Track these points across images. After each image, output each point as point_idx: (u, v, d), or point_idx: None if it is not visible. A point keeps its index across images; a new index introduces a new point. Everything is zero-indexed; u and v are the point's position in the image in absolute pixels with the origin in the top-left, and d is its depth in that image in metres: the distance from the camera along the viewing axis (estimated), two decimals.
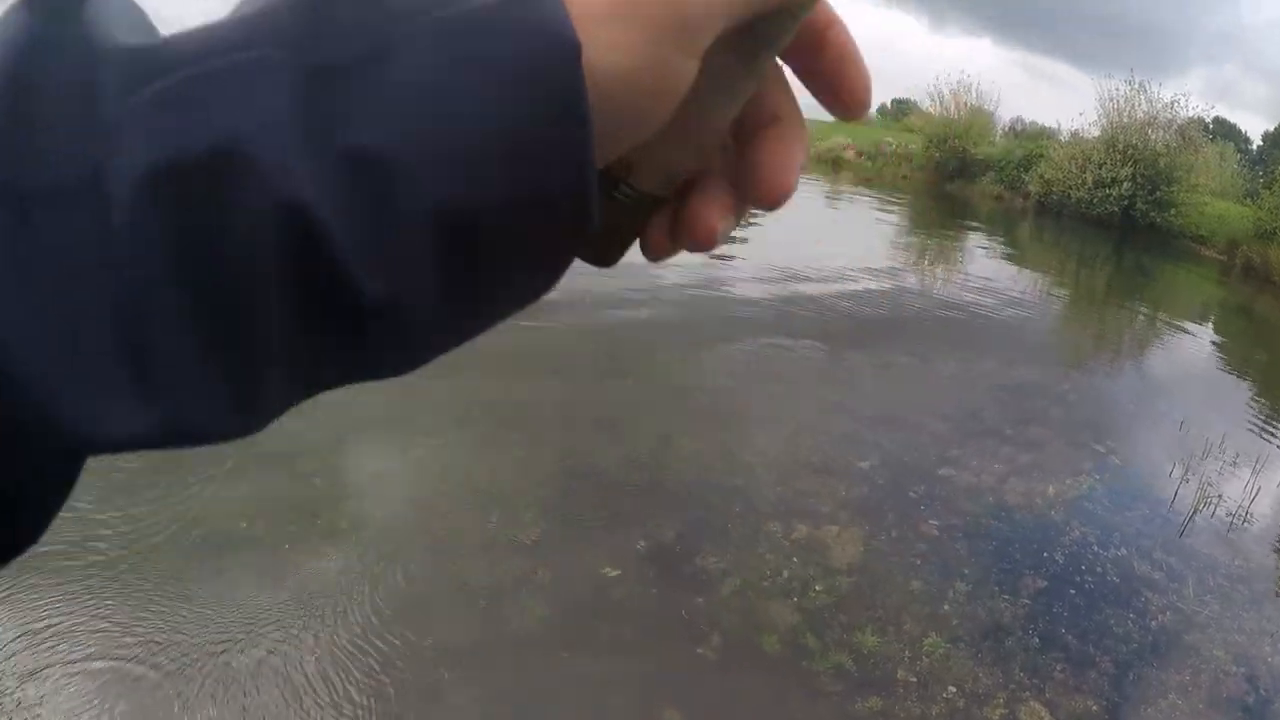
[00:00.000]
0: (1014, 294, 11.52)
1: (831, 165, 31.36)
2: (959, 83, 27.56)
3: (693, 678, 3.80)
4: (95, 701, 3.60)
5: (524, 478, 5.52)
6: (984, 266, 13.78)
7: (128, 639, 3.92)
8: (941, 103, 27.65)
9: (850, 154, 31.57)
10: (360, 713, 3.57)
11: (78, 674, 3.77)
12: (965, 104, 27.02)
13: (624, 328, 8.73)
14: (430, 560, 4.65)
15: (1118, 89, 22.30)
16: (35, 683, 3.68)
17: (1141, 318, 10.92)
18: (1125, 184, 20.34)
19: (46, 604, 4.23)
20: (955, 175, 25.73)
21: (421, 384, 6.63)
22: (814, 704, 3.66)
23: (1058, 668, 3.92)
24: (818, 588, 4.34)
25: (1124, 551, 4.89)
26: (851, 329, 8.94)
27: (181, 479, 4.87)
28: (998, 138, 27.67)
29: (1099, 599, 4.44)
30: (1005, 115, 28.95)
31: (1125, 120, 21.85)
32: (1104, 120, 22.80)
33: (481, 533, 4.82)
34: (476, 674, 3.81)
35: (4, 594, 4.23)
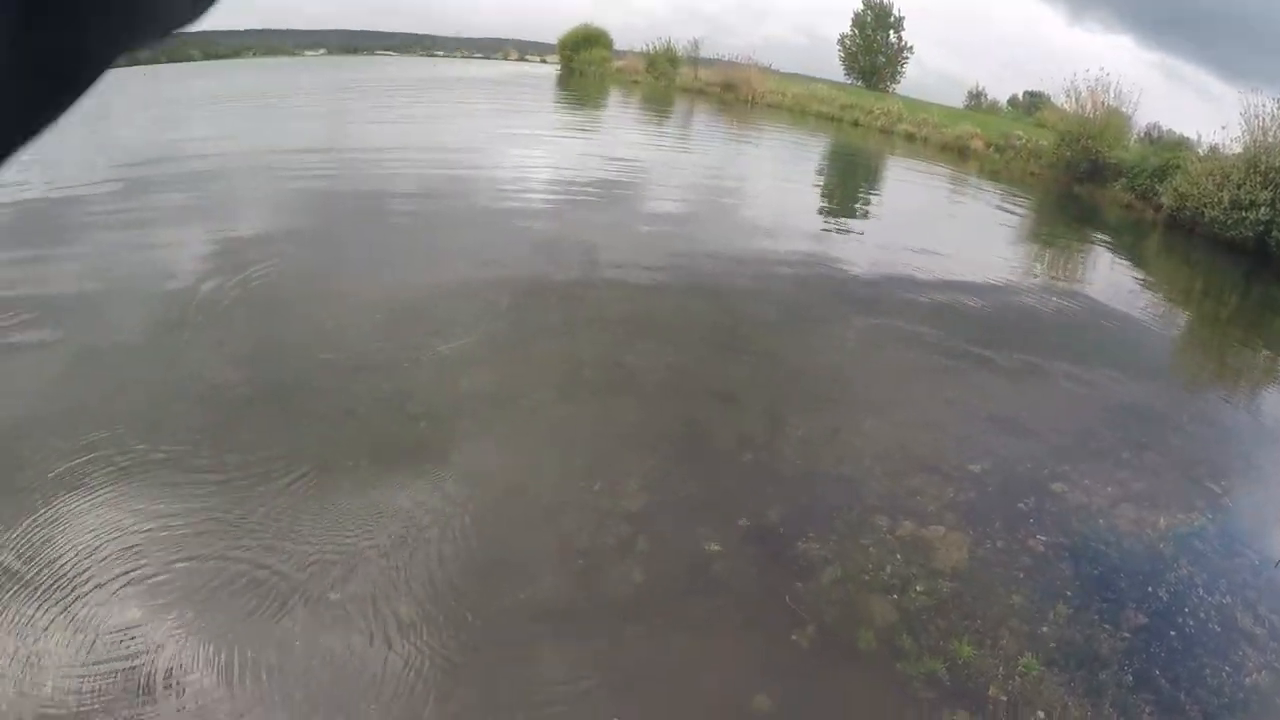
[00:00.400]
0: (1136, 309, 11.22)
1: (958, 154, 30.74)
2: (1097, 80, 26.54)
3: (785, 665, 3.82)
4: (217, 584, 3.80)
5: (631, 445, 5.60)
6: (1107, 276, 13.44)
7: (243, 546, 4.11)
8: (1077, 100, 26.75)
9: (978, 144, 30.89)
10: (453, 666, 3.67)
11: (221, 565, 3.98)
12: (1102, 103, 26.12)
13: (742, 303, 8.73)
14: (532, 520, 4.74)
15: (1264, 106, 21.37)
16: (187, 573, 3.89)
17: (1265, 354, 10.54)
18: (1264, 208, 19.53)
19: (202, 510, 4.46)
20: (1085, 177, 24.80)
21: (535, 346, 6.73)
22: (904, 708, 3.66)
23: (1147, 710, 3.85)
24: (919, 588, 4.33)
25: (1228, 600, 4.76)
26: (968, 326, 8.82)
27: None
28: (1132, 142, 26.57)
29: (1197, 645, 4.33)
30: (1142, 120, 27.71)
31: (1270, 141, 20.97)
32: (1246, 137, 21.92)
33: (585, 497, 4.89)
34: (569, 636, 3.89)
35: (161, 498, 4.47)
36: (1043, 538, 4.90)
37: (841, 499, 5.11)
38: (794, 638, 3.96)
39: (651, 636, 3.85)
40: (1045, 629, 4.19)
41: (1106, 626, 4.27)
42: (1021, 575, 4.55)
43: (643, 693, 3.59)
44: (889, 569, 4.46)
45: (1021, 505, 5.22)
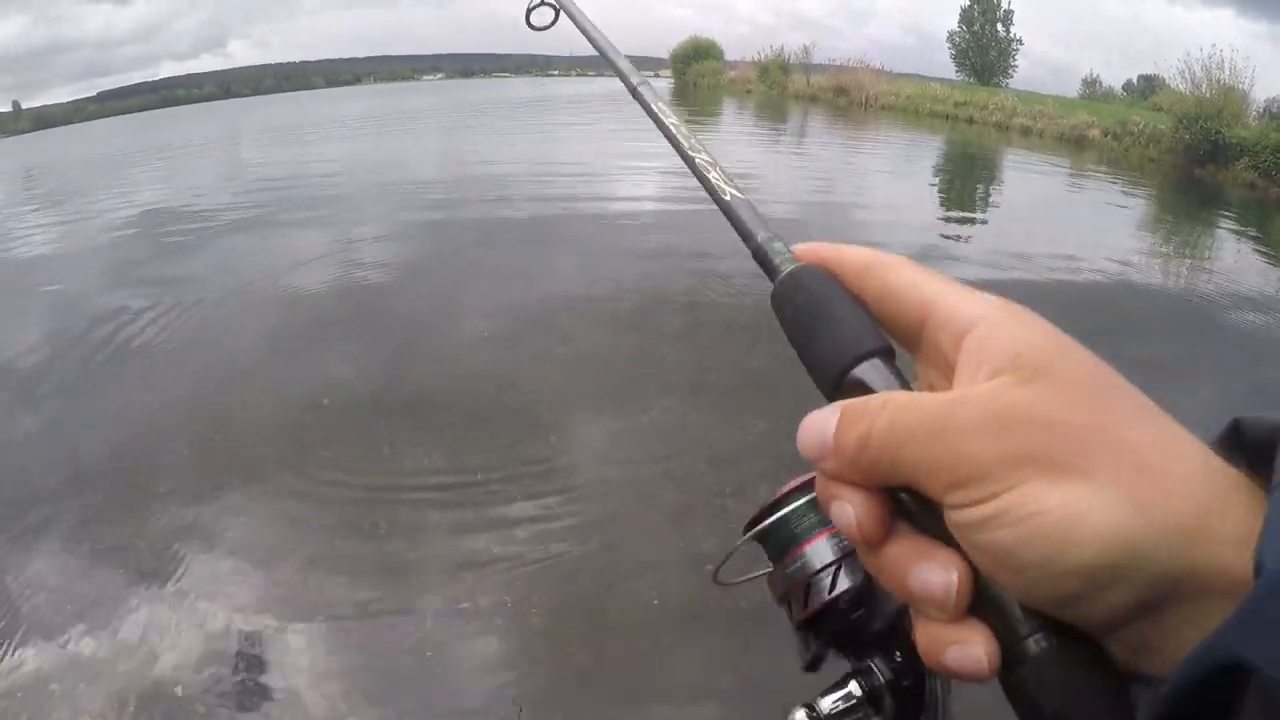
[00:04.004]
0: (1266, 291, 10.84)
1: (1075, 145, 30.02)
2: (1210, 58, 25.52)
3: None
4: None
5: (761, 448, 5.67)
6: (1233, 261, 13.02)
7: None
8: (1192, 80, 25.79)
9: (1095, 133, 30.13)
10: (584, 669, 3.84)
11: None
12: (1218, 81, 25.14)
13: None
14: (659, 524, 4.87)
15: None
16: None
17: None
18: None
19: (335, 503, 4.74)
20: (1206, 159, 23.78)
21: (660, 349, 6.87)
22: None
23: None
24: None
25: None
26: (1091, 319, 8.65)
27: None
28: (1252, 120, 25.33)
29: None
30: (1260, 95, 26.33)
31: None
32: None
33: (714, 501, 4.99)
34: (699, 638, 4.01)
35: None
36: None
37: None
38: None
39: (778, 642, 3.94)
40: None
41: None
42: None
43: (766, 691, 3.69)
44: None
45: None
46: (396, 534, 4.78)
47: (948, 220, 14.91)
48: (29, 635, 4.04)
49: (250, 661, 3.83)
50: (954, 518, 0.42)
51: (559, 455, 5.64)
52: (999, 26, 54.66)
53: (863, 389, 0.49)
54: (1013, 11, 54.47)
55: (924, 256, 11.01)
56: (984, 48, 54.44)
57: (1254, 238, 15.16)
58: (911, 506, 0.46)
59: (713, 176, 0.69)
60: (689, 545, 4.65)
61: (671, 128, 0.77)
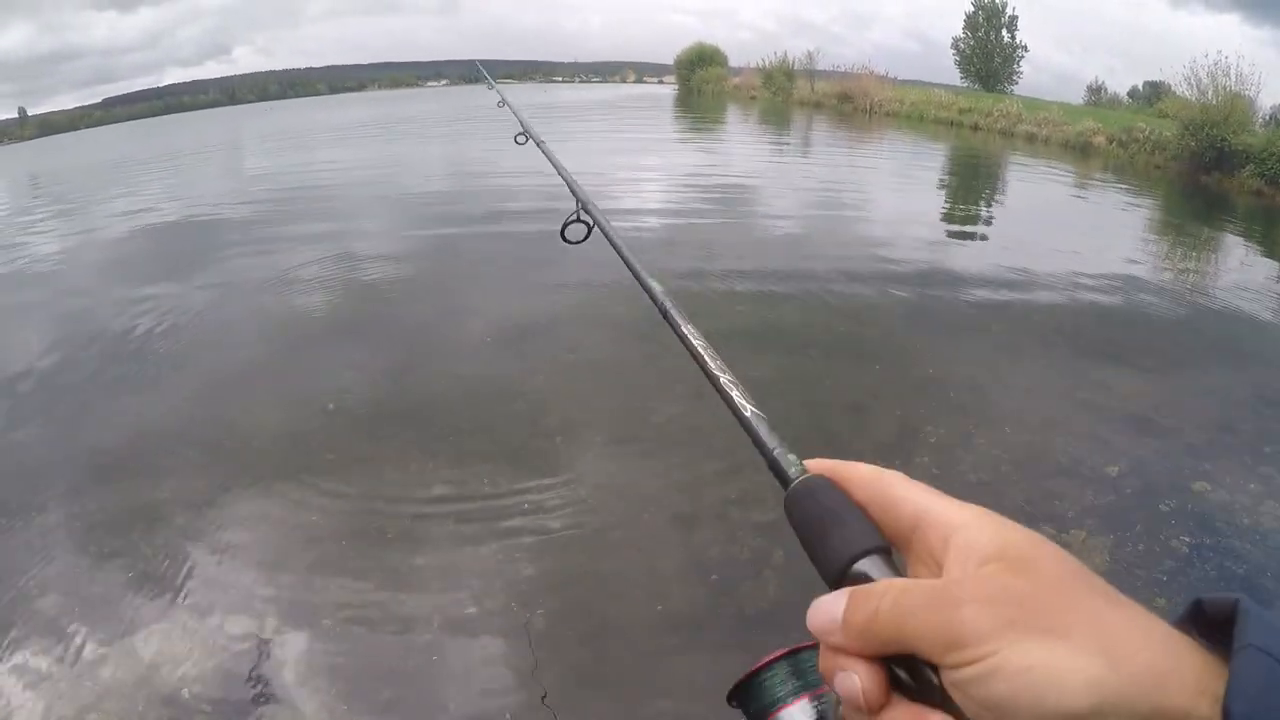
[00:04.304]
0: (1270, 300, 10.82)
1: (1080, 152, 29.99)
2: (1216, 64, 25.41)
3: None
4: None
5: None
6: (1238, 268, 13.02)
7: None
8: (1199, 87, 25.69)
9: (1100, 140, 30.09)
10: (587, 674, 3.86)
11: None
12: (1224, 88, 25.04)
13: (868, 311, 8.78)
14: (663, 531, 4.90)
15: None
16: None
17: None
18: None
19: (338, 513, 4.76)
20: (1212, 166, 23.66)
21: (665, 358, 6.88)
22: None
23: None
24: None
25: None
26: (1098, 325, 8.69)
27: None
28: (1258, 126, 25.21)
29: None
30: (1266, 102, 26.16)
31: None
32: None
33: (720, 508, 5.01)
34: (703, 647, 4.03)
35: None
36: (1186, 538, 4.84)
37: (979, 505, 5.11)
38: None
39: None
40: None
41: None
42: (1165, 578, 4.52)
43: None
44: None
45: (1163, 506, 5.16)
46: (402, 539, 4.80)
47: (954, 226, 14.93)
48: (38, 637, 4.07)
49: (256, 665, 3.85)
50: (953, 677, 0.49)
51: (564, 461, 5.66)
52: (1004, 33, 54.72)
53: (864, 580, 0.57)
54: (1017, 17, 54.53)
55: (930, 257, 11.04)
56: (989, 54, 54.48)
57: (1260, 245, 15.13)
58: (905, 678, 0.53)
59: (735, 395, 0.81)
60: (693, 553, 4.67)
61: (699, 349, 0.91)
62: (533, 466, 5.57)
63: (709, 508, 5.02)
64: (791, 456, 0.70)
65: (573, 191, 1.81)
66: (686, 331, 0.95)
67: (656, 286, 1.12)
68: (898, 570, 0.59)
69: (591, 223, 1.68)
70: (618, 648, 4.01)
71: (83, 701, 3.67)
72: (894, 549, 0.60)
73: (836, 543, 0.60)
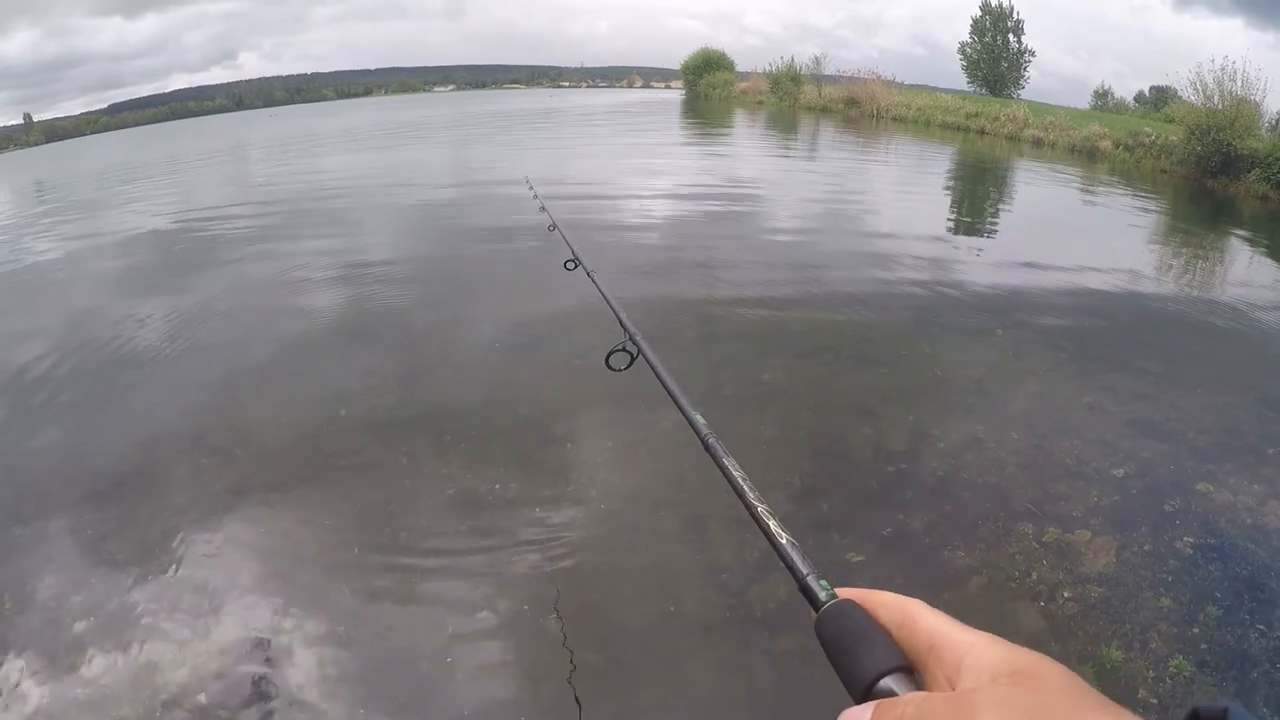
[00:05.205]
0: (1275, 306, 10.81)
1: (1087, 156, 29.97)
2: (1222, 69, 25.32)
3: None
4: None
5: (775, 458, 5.74)
6: (1244, 273, 13.01)
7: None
8: (1205, 92, 25.60)
9: (1106, 145, 30.06)
10: (600, 675, 3.90)
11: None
12: (1230, 93, 24.96)
13: (875, 314, 8.81)
14: (676, 534, 4.94)
15: None
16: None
17: None
18: None
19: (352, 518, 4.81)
20: (1218, 171, 23.60)
21: (674, 361, 6.92)
22: None
23: None
24: (1066, 594, 4.37)
25: None
26: (1103, 330, 8.71)
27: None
28: (1264, 131, 25.10)
29: None
30: (1272, 107, 26.00)
31: None
32: None
33: (730, 512, 5.04)
34: (714, 647, 4.07)
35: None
36: (1190, 539, 4.87)
37: (985, 506, 5.18)
38: None
39: (796, 651, 3.98)
40: (1195, 630, 4.19)
41: (1259, 626, 4.25)
42: (1170, 578, 4.55)
43: (782, 701, 3.74)
44: (1035, 575, 4.52)
45: (1167, 507, 5.20)
46: (415, 542, 4.85)
47: (961, 230, 14.95)
48: (50, 643, 4.12)
49: (271, 669, 3.90)
50: None
51: (575, 466, 5.71)
52: (1010, 37, 54.64)
53: (888, 694, 0.64)
54: (1023, 22, 54.44)
55: (938, 261, 11.06)
56: (995, 58, 54.41)
57: (1265, 249, 15.12)
58: None
59: (772, 525, 0.92)
60: (705, 555, 4.71)
61: (739, 480, 1.03)
62: (544, 471, 5.63)
63: (719, 511, 5.05)
64: (823, 582, 0.78)
65: (620, 322, 1.90)
66: (727, 464, 1.06)
67: (700, 420, 1.22)
68: (919, 688, 0.65)
69: (636, 352, 1.76)
70: (631, 650, 4.05)
71: (96, 706, 3.72)
72: (914, 670, 0.67)
73: (864, 660, 0.67)
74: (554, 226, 3.98)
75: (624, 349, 1.79)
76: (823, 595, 0.76)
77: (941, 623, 0.67)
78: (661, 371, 1.47)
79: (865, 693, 0.65)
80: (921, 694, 0.62)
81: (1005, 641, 0.63)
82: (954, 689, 0.62)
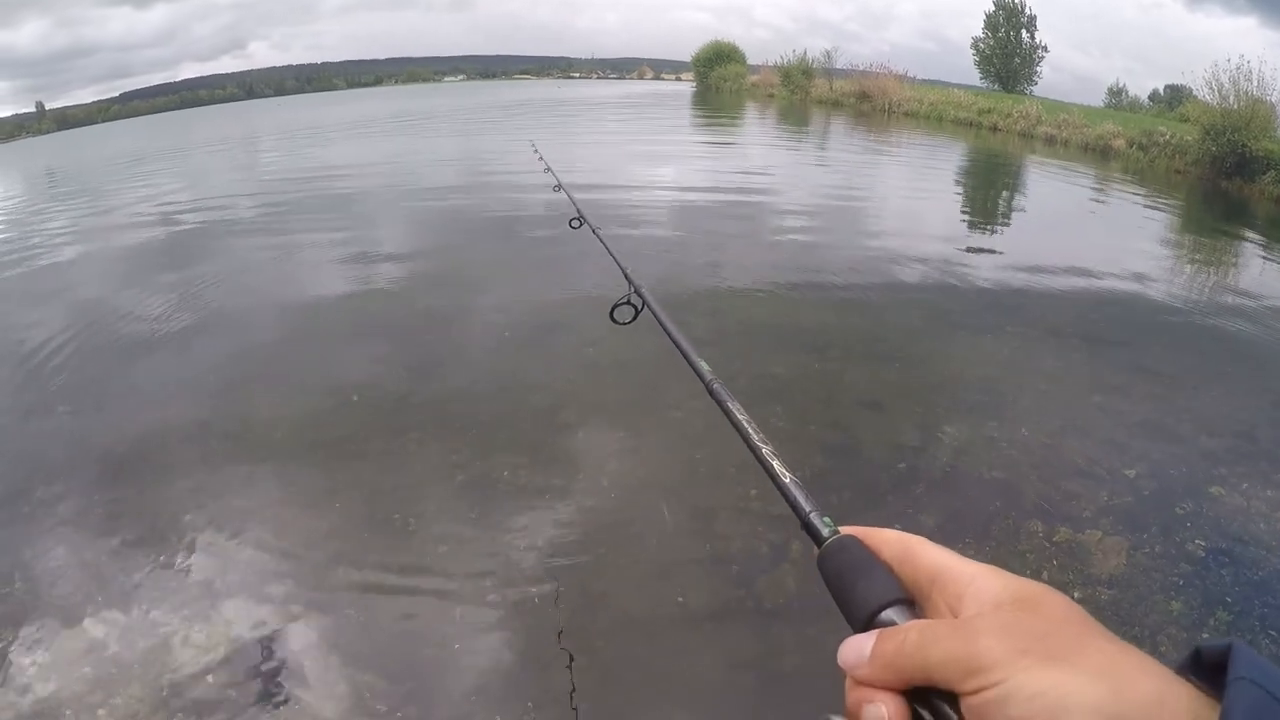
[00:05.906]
0: None
1: (1100, 155, 29.83)
2: (1238, 69, 25.08)
3: None
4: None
5: (785, 451, 5.66)
6: (1257, 276, 12.93)
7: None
8: (1220, 91, 25.35)
9: (1120, 144, 29.91)
10: (609, 665, 3.89)
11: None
12: (1245, 93, 24.70)
13: (886, 311, 8.78)
14: (684, 524, 4.92)
15: None
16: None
17: None
18: None
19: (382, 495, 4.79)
20: (1233, 171, 23.37)
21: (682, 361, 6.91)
22: None
23: None
24: (1076, 595, 4.32)
25: None
26: (1115, 330, 8.66)
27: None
28: (1279, 132, 24.88)
29: None
30: None
31: None
32: None
33: (739, 503, 5.03)
34: (723, 637, 4.06)
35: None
36: (1201, 542, 4.84)
37: (996, 504, 5.16)
38: None
39: (804, 644, 3.97)
40: (1205, 635, 4.17)
41: (1271, 632, 4.22)
42: (1180, 581, 4.52)
43: (791, 692, 3.72)
44: (1046, 575, 4.47)
45: (1179, 509, 5.17)
46: (423, 530, 4.85)
47: (973, 228, 14.89)
48: (57, 625, 4.13)
49: (277, 653, 3.90)
50: (972, 702, 0.55)
51: (584, 454, 5.70)
52: (1023, 33, 54.52)
53: (890, 625, 0.65)
54: (1036, 18, 54.31)
55: (949, 258, 11.02)
56: (1009, 54, 54.29)
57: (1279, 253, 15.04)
58: (927, 717, 0.60)
59: (776, 465, 0.90)
60: (714, 546, 4.70)
61: (743, 422, 1.01)
62: (553, 459, 5.62)
63: (729, 502, 5.04)
64: (826, 519, 0.78)
65: (625, 276, 1.91)
66: (731, 408, 1.06)
67: (704, 367, 1.27)
68: (919, 619, 0.66)
69: (640, 305, 1.75)
70: (639, 640, 4.04)
71: (104, 687, 3.72)
72: (915, 603, 0.68)
73: (864, 593, 0.68)
74: (559, 187, 4.07)
75: (629, 303, 1.78)
76: (825, 531, 0.77)
77: (944, 555, 0.68)
78: (666, 321, 1.45)
79: (866, 625, 0.66)
80: (924, 620, 0.64)
81: (1008, 573, 0.64)
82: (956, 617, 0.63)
